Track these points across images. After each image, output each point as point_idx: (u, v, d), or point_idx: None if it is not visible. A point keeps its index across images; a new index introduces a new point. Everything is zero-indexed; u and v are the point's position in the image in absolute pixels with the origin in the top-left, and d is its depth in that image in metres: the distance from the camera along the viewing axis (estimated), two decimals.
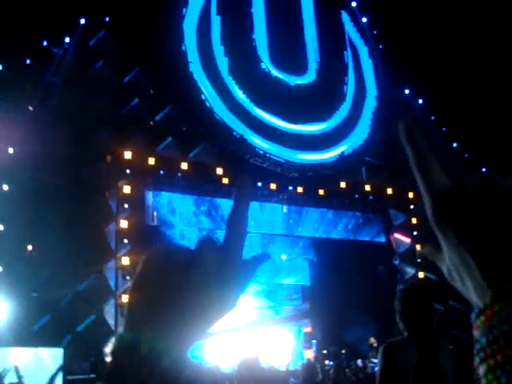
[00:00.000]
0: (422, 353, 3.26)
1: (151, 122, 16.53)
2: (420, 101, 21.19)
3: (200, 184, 16.52)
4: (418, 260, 18.79)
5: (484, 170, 18.07)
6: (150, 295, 0.79)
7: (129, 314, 0.79)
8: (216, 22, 18.22)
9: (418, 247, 18.67)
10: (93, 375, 11.79)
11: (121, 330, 0.78)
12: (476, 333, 0.69)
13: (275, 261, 18.93)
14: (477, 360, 0.68)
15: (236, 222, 0.81)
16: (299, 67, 19.10)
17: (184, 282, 0.78)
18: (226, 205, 16.53)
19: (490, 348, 0.67)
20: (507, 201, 0.70)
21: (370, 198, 19.00)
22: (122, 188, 15.15)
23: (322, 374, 11.51)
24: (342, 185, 18.45)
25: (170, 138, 16.42)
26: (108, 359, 0.77)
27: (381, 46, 21.21)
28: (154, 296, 0.78)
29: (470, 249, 0.69)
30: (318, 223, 18.60)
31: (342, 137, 19.04)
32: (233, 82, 17.81)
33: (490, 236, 0.68)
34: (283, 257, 18.96)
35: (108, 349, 0.79)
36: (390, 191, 19.04)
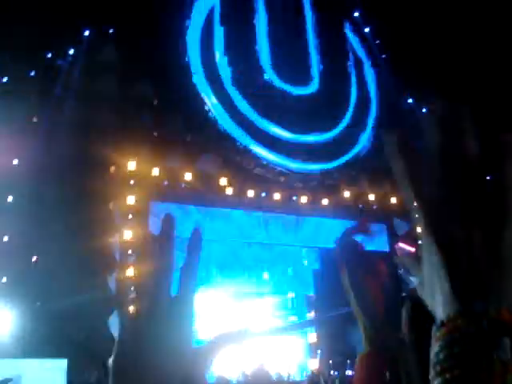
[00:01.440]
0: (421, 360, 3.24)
1: (155, 133, 16.54)
2: (424, 110, 21.15)
3: (204, 194, 16.50)
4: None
5: None
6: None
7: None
8: (219, 33, 18.28)
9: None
10: None
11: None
12: (435, 346, 0.68)
13: (281, 272, 18.90)
14: (432, 372, 0.67)
15: (188, 277, 0.88)
16: (302, 77, 19.11)
17: None
18: (231, 214, 16.62)
19: (447, 362, 0.66)
20: None
21: (374, 207, 18.94)
22: (126, 199, 15.15)
23: None
24: (346, 194, 18.42)
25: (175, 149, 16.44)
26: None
27: (384, 56, 21.21)
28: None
29: (447, 265, 0.71)
30: (321, 233, 18.54)
31: (347, 146, 19.03)
32: (236, 92, 17.84)
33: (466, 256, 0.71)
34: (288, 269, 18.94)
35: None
36: (394, 200, 18.97)
